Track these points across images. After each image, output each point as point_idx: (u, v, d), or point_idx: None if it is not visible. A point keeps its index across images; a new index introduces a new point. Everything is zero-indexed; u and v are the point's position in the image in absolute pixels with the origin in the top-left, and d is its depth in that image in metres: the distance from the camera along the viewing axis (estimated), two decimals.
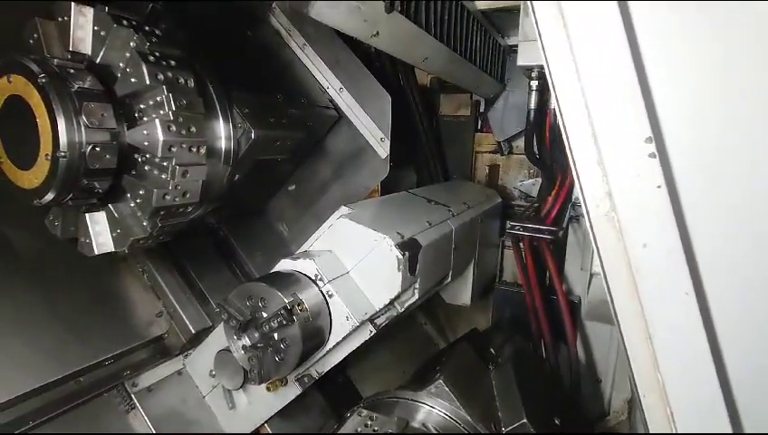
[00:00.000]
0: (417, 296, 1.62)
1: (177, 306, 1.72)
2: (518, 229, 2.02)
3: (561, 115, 0.91)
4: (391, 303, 1.55)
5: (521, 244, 2.22)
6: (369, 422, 1.19)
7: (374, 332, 1.50)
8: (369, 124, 2.05)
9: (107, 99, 1.21)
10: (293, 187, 2.27)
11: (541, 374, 1.83)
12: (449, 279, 1.96)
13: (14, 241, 1.57)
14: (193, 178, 1.30)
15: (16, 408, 1.32)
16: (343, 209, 1.62)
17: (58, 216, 1.39)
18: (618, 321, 0.93)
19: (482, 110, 3.18)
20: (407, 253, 1.49)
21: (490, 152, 3.21)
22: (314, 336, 1.38)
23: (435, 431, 1.16)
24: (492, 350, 1.70)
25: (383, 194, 2.28)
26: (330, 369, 1.58)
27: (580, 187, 0.92)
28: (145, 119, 1.22)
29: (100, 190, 1.27)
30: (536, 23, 0.89)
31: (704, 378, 0.84)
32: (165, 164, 1.23)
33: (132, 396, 1.57)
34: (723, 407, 0.83)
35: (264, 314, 1.33)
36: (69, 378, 1.46)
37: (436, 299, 2.47)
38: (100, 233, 1.34)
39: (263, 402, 1.61)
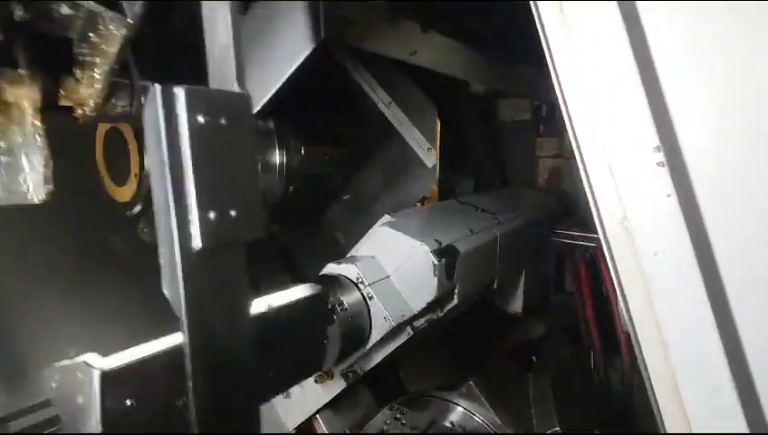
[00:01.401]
0: (456, 301, 1.68)
1: None
2: (563, 237, 1.98)
3: (571, 123, 0.94)
4: (430, 307, 1.63)
5: (575, 252, 2.17)
6: (398, 416, 1.28)
7: (412, 333, 1.58)
8: (416, 135, 2.15)
9: None
10: (348, 196, 2.43)
11: (585, 385, 1.78)
12: (495, 286, 1.98)
13: (116, 247, 1.88)
14: None
15: None
16: (385, 218, 1.73)
17: (146, 224, 1.65)
18: (633, 329, 0.93)
19: (543, 114, 3.13)
20: (443, 259, 1.55)
21: (551, 157, 3.14)
22: (354, 334, 1.49)
23: (460, 431, 1.21)
24: (534, 358, 1.70)
25: (441, 201, 2.36)
26: (380, 369, 1.68)
27: (593, 195, 0.94)
28: None
29: None
30: (540, 23, 0.92)
31: (719, 386, 0.82)
32: None
33: None
34: (741, 416, 0.80)
35: None
36: None
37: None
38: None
39: (312, 394, 1.76)
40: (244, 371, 0.63)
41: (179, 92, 0.53)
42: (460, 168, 2.95)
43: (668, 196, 0.84)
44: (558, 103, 0.95)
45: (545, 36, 0.92)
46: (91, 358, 0.66)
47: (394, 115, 2.18)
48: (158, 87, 0.53)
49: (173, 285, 0.59)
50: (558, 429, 1.31)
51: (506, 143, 3.21)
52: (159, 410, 0.63)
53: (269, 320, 0.78)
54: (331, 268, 1.63)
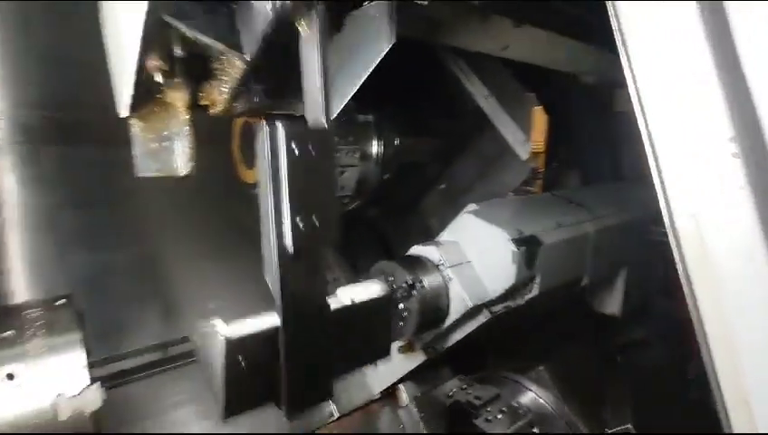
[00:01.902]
0: (536, 292, 1.70)
1: (342, 278, 2.19)
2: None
3: (643, 112, 0.93)
4: (509, 294, 1.68)
5: None
6: (465, 386, 1.38)
7: (489, 317, 1.65)
8: (511, 127, 2.17)
9: None
10: (444, 186, 2.54)
11: (675, 388, 1.66)
12: (585, 282, 1.93)
13: (246, 222, 2.25)
14: (348, 176, 1.70)
15: None
16: (471, 206, 1.82)
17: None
18: (702, 329, 0.90)
19: None
20: (523, 248, 1.59)
21: None
22: (432, 312, 1.62)
23: (521, 409, 1.26)
24: (619, 355, 1.64)
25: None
26: (467, 351, 1.77)
27: (663, 188, 0.92)
28: None
29: None
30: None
31: None
32: None
33: None
34: None
35: (392, 287, 1.64)
36: None
37: None
38: None
39: (397, 363, 1.93)
40: (322, 351, 0.81)
41: (280, 127, 0.72)
42: (567, 161, 2.85)
43: (741, 188, 0.80)
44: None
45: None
46: (220, 325, 0.85)
47: (490, 107, 2.22)
48: (264, 123, 0.72)
49: (271, 275, 0.79)
50: (630, 426, 1.28)
51: (624, 135, 2.99)
52: (262, 372, 0.82)
53: (344, 312, 0.90)
54: (415, 250, 1.77)
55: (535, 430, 1.24)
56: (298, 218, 0.75)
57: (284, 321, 0.79)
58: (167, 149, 0.91)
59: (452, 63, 2.25)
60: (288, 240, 0.75)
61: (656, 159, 0.94)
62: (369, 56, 0.96)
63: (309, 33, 0.77)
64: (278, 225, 0.75)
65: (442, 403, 1.32)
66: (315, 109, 0.76)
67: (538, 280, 1.68)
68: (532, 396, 1.46)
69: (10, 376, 0.85)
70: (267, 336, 0.80)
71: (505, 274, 1.60)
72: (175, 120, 0.91)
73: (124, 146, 0.95)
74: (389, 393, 2.01)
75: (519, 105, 2.16)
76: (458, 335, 1.75)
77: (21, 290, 1.63)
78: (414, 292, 1.58)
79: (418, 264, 1.68)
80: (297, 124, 0.74)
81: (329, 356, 0.86)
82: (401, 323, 1.64)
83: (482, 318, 1.66)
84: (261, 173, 0.73)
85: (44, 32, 1.70)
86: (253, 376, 0.80)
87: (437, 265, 1.68)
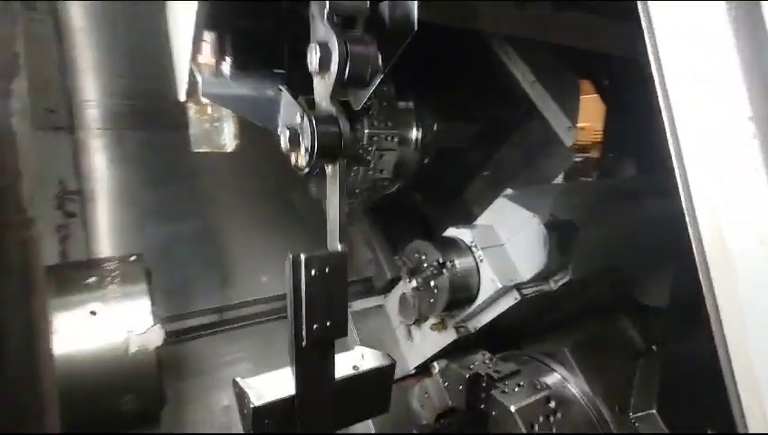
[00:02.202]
0: (570, 276, 1.70)
1: (382, 258, 2.31)
2: None
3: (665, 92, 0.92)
4: (540, 277, 1.70)
5: None
6: (487, 361, 1.44)
7: (519, 298, 1.68)
8: (557, 114, 2.14)
9: None
10: (487, 173, 2.56)
11: (705, 377, 1.59)
12: (627, 272, 1.89)
13: (295, 202, 2.43)
14: (387, 160, 1.79)
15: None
16: (508, 191, 1.84)
17: (313, 183, 2.13)
18: (716, 312, 0.89)
19: None
20: (555, 232, 1.60)
21: None
22: (462, 290, 1.68)
23: (544, 388, 1.30)
24: (655, 343, 1.61)
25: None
26: (501, 334, 1.82)
27: (683, 169, 0.92)
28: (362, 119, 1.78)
29: None
30: None
31: None
32: (369, 149, 1.76)
33: (348, 313, 2.23)
34: None
35: (425, 266, 1.73)
36: None
37: None
38: None
39: (430, 340, 2.01)
40: (327, 412, 1.02)
41: (302, 259, 0.90)
42: (623, 149, 2.75)
43: (756, 169, 0.79)
44: None
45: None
46: (251, 393, 0.99)
47: (537, 94, 2.20)
48: (290, 255, 0.91)
49: (291, 359, 0.96)
50: (653, 412, 1.26)
51: None
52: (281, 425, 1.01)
53: (347, 379, 1.07)
54: (450, 232, 1.84)
55: (551, 405, 1.28)
56: (314, 325, 0.93)
57: (298, 394, 0.99)
58: (216, 129, 1.06)
59: (498, 49, 2.25)
60: (302, 340, 0.93)
61: (677, 138, 0.93)
62: (394, 45, 1.03)
63: (332, 177, 1.02)
64: (297, 327, 0.93)
65: (463, 374, 1.39)
66: (333, 237, 0.98)
67: (572, 265, 1.68)
68: (555, 376, 1.48)
69: (93, 313, 1.05)
70: (285, 401, 0.99)
71: (536, 257, 1.62)
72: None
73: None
74: (424, 369, 2.11)
75: (565, 91, 2.13)
76: (489, 315, 1.80)
77: (106, 253, 1.90)
78: (444, 270, 1.65)
79: (451, 245, 1.75)
80: (315, 256, 0.94)
81: (332, 416, 1.05)
82: (432, 300, 1.72)
83: (511, 299, 1.69)
84: (286, 288, 0.93)
85: (128, 31, 1.95)
86: (276, 419, 1.01)
87: (470, 247, 1.74)
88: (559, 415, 1.25)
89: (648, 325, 1.78)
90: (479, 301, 1.72)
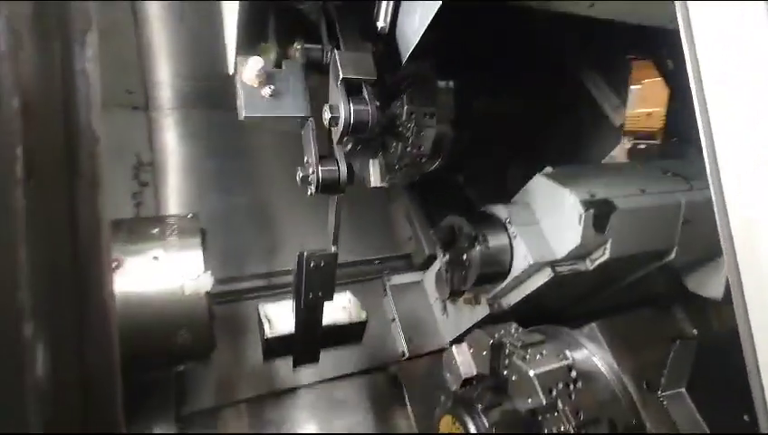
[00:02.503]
0: (607, 256, 1.67)
1: (421, 235, 2.37)
2: None
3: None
4: (576, 256, 1.69)
5: None
6: (513, 330, 1.47)
7: (552, 275, 1.68)
8: (606, 93, 2.08)
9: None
10: (532, 153, 2.52)
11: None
12: (672, 256, 1.81)
13: None
14: (425, 136, 1.84)
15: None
16: (547, 169, 1.83)
17: (357, 162, 2.23)
18: (745, 313, 0.86)
19: None
20: (592, 210, 1.59)
21: None
22: (494, 265, 1.71)
23: (566, 358, 1.31)
24: (695, 330, 1.55)
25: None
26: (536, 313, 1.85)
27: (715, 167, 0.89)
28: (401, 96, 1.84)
29: (376, 144, 2.00)
30: None
31: None
32: (408, 125, 1.82)
33: (387, 288, 2.33)
34: None
35: (458, 240, 1.77)
36: (355, 264, 2.34)
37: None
38: (374, 173, 2.09)
39: (464, 314, 2.07)
40: (314, 342, 1.47)
41: (305, 254, 1.33)
42: (688, 135, 2.60)
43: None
44: None
45: None
46: (266, 325, 1.48)
47: (586, 72, 2.15)
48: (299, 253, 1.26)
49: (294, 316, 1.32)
50: (683, 390, 1.23)
51: None
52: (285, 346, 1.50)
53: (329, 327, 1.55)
54: (488, 208, 1.87)
55: (572, 374, 1.29)
56: (310, 295, 1.35)
57: (296, 336, 1.45)
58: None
59: (546, 25, 2.21)
60: (301, 306, 1.36)
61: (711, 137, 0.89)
62: (424, 16, 1.10)
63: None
64: (298, 296, 1.36)
65: (487, 340, 1.43)
66: (329, 240, 1.35)
67: (609, 245, 1.65)
68: (581, 348, 1.48)
69: (155, 258, 1.22)
70: (287, 336, 1.47)
71: (571, 235, 1.61)
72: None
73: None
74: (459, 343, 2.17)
75: (616, 69, 2.06)
76: (522, 292, 1.82)
77: None
78: (477, 244, 1.69)
79: (486, 220, 1.78)
80: (316, 252, 1.34)
81: (317, 344, 1.55)
82: (463, 273, 1.77)
83: (544, 277, 1.70)
84: (295, 272, 1.35)
85: (193, 17, 2.14)
86: (281, 346, 1.51)
87: (504, 223, 1.76)
88: (580, 384, 1.26)
89: (692, 312, 1.71)
90: (511, 276, 1.74)
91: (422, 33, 1.16)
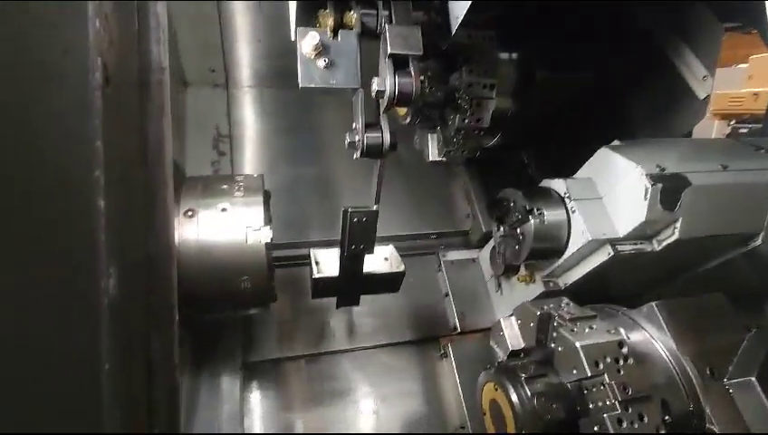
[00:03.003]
0: (677, 236, 1.55)
1: (479, 212, 2.35)
2: None
3: None
4: (641, 234, 1.59)
5: None
6: (563, 304, 1.43)
7: (612, 254, 1.60)
8: (691, 62, 1.91)
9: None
10: (604, 129, 2.38)
11: None
12: (758, 242, 1.64)
13: (403, 157, 2.58)
14: (484, 109, 1.83)
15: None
16: (614, 142, 1.74)
17: (417, 135, 2.26)
18: None
19: None
20: (660, 185, 1.48)
21: None
22: (549, 239, 1.67)
23: (623, 337, 1.26)
24: None
25: None
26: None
27: None
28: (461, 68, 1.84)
29: (435, 117, 2.01)
30: None
31: None
32: (466, 97, 1.81)
33: (442, 263, 2.35)
34: None
35: (513, 213, 1.75)
36: (412, 237, 2.38)
37: None
38: (432, 147, 2.11)
39: (518, 292, 2.03)
40: (356, 287, 1.61)
41: (349, 210, 1.42)
42: None
43: None
44: None
45: None
46: (315, 268, 1.63)
47: (667, 39, 1.98)
48: (343, 208, 1.39)
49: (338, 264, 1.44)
50: (752, 378, 1.12)
51: None
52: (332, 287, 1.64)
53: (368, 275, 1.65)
54: (545, 182, 1.81)
55: (623, 350, 1.23)
56: (353, 247, 1.49)
57: (340, 278, 1.60)
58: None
59: None
60: (344, 253, 1.50)
61: None
62: None
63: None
64: (342, 247, 1.49)
65: (534, 312, 1.41)
66: (371, 198, 1.43)
67: (679, 224, 1.53)
68: (636, 327, 1.40)
69: (224, 209, 1.36)
70: (334, 277, 1.61)
71: (635, 211, 1.52)
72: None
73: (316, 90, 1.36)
74: None
75: (704, 37, 1.87)
76: (580, 271, 1.75)
77: None
78: (531, 217, 1.66)
79: (543, 193, 1.73)
80: (359, 209, 1.44)
81: (358, 290, 1.72)
82: (517, 247, 1.74)
83: (604, 255, 1.62)
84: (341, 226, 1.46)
85: (271, 4, 2.29)
86: (326, 287, 1.66)
87: (563, 198, 1.70)
88: (631, 361, 1.21)
89: None
90: (568, 253, 1.69)
91: (468, 5, 1.17)
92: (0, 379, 0.42)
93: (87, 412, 0.44)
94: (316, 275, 1.60)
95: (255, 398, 1.98)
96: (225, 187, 1.42)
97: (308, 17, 1.24)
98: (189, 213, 1.36)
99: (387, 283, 1.71)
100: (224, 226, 1.35)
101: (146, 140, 0.57)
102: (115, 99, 0.48)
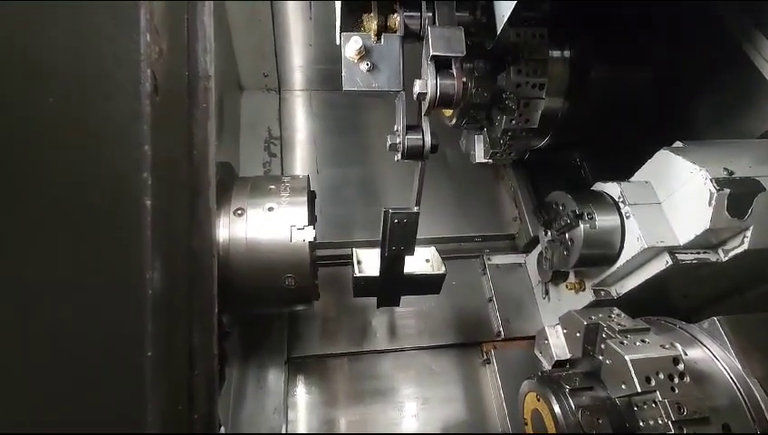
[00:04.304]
0: (746, 246, 1.42)
1: (526, 216, 2.28)
2: None
3: None
4: (704, 243, 1.48)
5: None
6: (612, 314, 1.35)
7: (671, 263, 1.49)
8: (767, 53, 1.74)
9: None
10: (668, 133, 2.22)
11: None
12: None
13: (447, 155, 2.55)
14: (533, 109, 1.77)
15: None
16: (676, 144, 1.62)
17: (464, 137, 2.23)
18: None
19: None
20: (727, 190, 1.37)
21: None
22: (600, 245, 1.58)
23: (679, 353, 1.17)
24: None
25: None
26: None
27: None
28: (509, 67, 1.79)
29: (482, 119, 1.97)
30: None
31: None
32: (513, 97, 1.77)
33: (486, 266, 2.30)
34: None
35: (562, 217, 1.68)
36: (456, 240, 2.35)
37: None
38: (479, 148, 2.08)
39: (566, 299, 1.95)
40: (396, 287, 1.57)
41: (389, 211, 1.40)
42: None
43: None
44: None
45: None
46: (356, 267, 1.66)
47: (743, 28, 1.82)
48: (383, 209, 1.38)
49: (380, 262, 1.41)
50: None
51: None
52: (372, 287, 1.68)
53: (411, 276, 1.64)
54: (598, 185, 1.73)
55: (679, 367, 1.14)
56: (393, 247, 1.47)
57: (380, 278, 1.60)
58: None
59: None
60: (385, 255, 1.50)
61: None
62: None
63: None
64: (383, 248, 1.48)
65: (582, 321, 1.35)
66: (413, 200, 1.40)
67: (750, 233, 1.41)
68: (695, 344, 1.30)
69: (270, 208, 1.42)
70: (374, 277, 1.61)
71: (698, 218, 1.42)
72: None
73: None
74: None
75: None
76: (635, 280, 1.65)
77: None
78: (581, 222, 1.58)
79: (595, 197, 1.65)
80: (399, 210, 1.41)
81: (398, 290, 1.71)
82: (566, 253, 1.67)
83: (662, 264, 1.52)
84: (381, 227, 1.45)
85: (320, 11, 2.35)
86: (367, 287, 1.67)
87: (617, 202, 1.61)
88: (687, 379, 1.12)
89: None
90: (621, 261, 1.59)
91: (514, 3, 1.14)
92: (50, 364, 0.47)
93: (131, 396, 0.47)
94: (357, 274, 1.62)
95: (300, 392, 2.04)
96: (272, 187, 1.48)
97: (353, 21, 1.27)
98: (239, 211, 1.42)
99: (427, 284, 1.69)
100: (270, 224, 1.40)
101: (191, 143, 0.61)
102: (163, 106, 0.52)
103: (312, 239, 1.40)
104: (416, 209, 1.41)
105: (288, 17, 2.44)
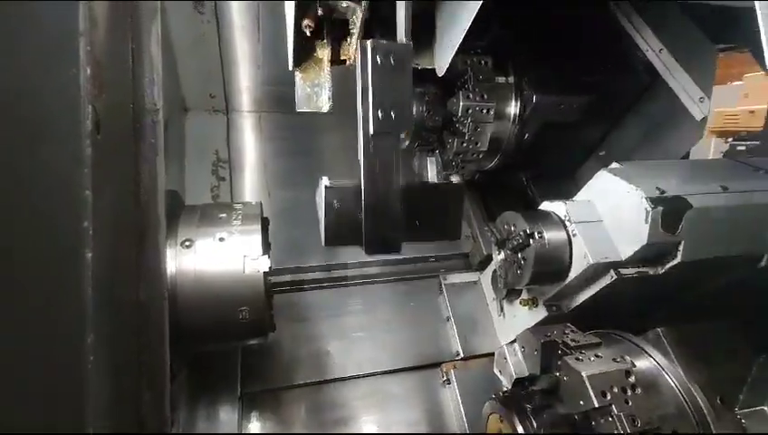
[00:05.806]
0: (679, 259, 1.53)
1: (479, 234, 2.34)
2: None
3: None
4: (644, 258, 1.57)
5: None
6: (567, 332, 1.40)
7: (615, 278, 1.58)
8: (686, 83, 1.92)
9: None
10: (603, 153, 2.39)
11: None
12: (763, 263, 1.62)
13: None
14: (482, 132, 1.83)
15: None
16: (613, 165, 1.73)
17: (416, 159, 2.26)
18: None
19: None
20: (660, 208, 1.47)
21: None
22: (550, 263, 1.64)
23: (625, 363, 1.23)
24: None
25: None
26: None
27: None
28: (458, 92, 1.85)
29: (434, 141, 2.01)
30: None
31: None
32: (464, 121, 1.82)
33: (443, 285, 2.32)
34: None
35: (513, 237, 1.73)
36: (413, 261, 2.36)
37: None
38: (431, 170, 2.11)
39: (520, 315, 2.00)
40: (393, 212, 1.06)
41: (369, 43, 0.98)
42: None
43: None
44: None
45: None
46: (325, 180, 1.36)
47: (664, 63, 2.00)
48: (363, 42, 1.00)
49: (359, 148, 1.09)
50: (765, 407, 1.09)
51: None
52: (351, 216, 1.14)
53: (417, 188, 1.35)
54: (544, 205, 1.80)
55: (631, 380, 1.20)
56: (379, 111, 1.02)
57: (365, 181, 1.09)
58: (316, 93, 1.26)
59: (618, 13, 2.09)
60: (370, 125, 1.05)
61: None
62: (471, 6, 1.10)
63: None
64: (365, 114, 1.03)
65: (538, 340, 1.38)
66: (400, 30, 1.05)
67: (682, 247, 1.52)
68: (643, 355, 1.37)
69: (221, 239, 1.35)
70: (355, 190, 1.15)
71: (636, 234, 1.51)
72: (322, 73, 1.25)
73: (314, 115, 1.35)
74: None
75: (700, 59, 1.89)
76: (584, 295, 1.72)
77: None
78: (532, 241, 1.64)
79: (543, 217, 1.72)
80: (380, 43, 1.01)
81: (398, 218, 1.14)
82: (519, 271, 1.72)
83: (606, 279, 1.60)
84: (357, 78, 1.03)
85: (270, 31, 2.32)
86: (344, 217, 1.17)
87: (563, 221, 1.68)
88: (639, 391, 1.17)
89: None
90: (570, 277, 1.66)
91: (464, 32, 1.17)
92: None
93: None
94: (327, 184, 1.15)
95: (255, 429, 1.93)
96: (222, 215, 1.41)
97: (304, 52, 1.25)
98: (187, 243, 1.34)
99: (441, 210, 1.22)
100: (221, 255, 1.33)
101: (138, 181, 0.56)
102: (106, 145, 0.47)
103: (267, 269, 1.34)
104: (404, 39, 1.03)
105: (235, 37, 2.38)
